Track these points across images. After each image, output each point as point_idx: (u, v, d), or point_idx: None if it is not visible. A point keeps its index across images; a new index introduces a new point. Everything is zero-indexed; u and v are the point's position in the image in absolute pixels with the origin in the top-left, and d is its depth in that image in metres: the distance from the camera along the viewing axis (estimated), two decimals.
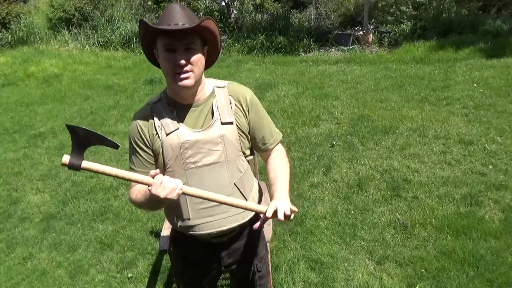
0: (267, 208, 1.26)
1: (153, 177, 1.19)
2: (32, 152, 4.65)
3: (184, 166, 1.36)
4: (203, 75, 1.41)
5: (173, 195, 1.19)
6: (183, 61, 1.27)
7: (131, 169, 1.41)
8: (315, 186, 3.52)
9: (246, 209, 1.33)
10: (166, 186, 1.18)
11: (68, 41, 9.68)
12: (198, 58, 1.31)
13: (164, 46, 1.29)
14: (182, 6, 1.33)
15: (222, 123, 1.38)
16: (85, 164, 1.15)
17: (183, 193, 1.23)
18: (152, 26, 1.26)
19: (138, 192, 1.37)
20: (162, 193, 1.18)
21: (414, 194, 3.27)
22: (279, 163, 1.49)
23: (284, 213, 1.24)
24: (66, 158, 1.14)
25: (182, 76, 1.29)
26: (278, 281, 2.51)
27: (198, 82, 1.35)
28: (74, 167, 1.14)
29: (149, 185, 1.20)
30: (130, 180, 1.20)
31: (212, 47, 1.40)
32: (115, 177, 1.18)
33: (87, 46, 9.41)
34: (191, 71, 1.30)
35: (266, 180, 1.64)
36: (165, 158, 1.37)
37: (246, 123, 1.44)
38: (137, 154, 1.40)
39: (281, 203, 1.28)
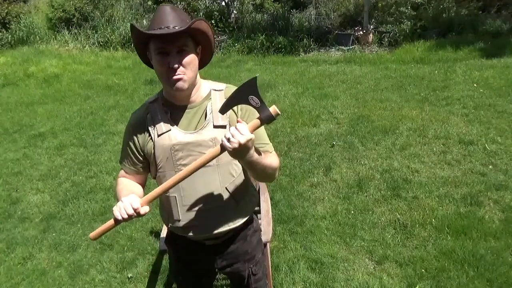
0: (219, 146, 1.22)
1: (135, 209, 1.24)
2: (32, 152, 4.65)
3: (175, 168, 1.36)
4: (198, 76, 1.39)
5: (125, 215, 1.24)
6: (176, 65, 1.27)
7: (120, 163, 1.49)
8: (315, 186, 3.52)
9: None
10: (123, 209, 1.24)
11: (68, 41, 9.67)
12: (191, 60, 1.30)
13: (157, 50, 1.28)
14: (173, 7, 1.32)
15: (215, 126, 1.36)
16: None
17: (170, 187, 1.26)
18: (143, 32, 1.26)
19: (121, 184, 1.46)
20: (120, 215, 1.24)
21: (414, 194, 3.27)
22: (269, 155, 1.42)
23: (230, 140, 1.16)
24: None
25: (176, 78, 1.28)
26: (278, 281, 2.51)
27: (192, 84, 1.35)
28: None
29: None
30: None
31: (206, 47, 1.39)
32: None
33: (87, 46, 9.40)
34: (184, 73, 1.29)
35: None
36: (156, 158, 1.38)
37: None
38: (128, 154, 1.45)
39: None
